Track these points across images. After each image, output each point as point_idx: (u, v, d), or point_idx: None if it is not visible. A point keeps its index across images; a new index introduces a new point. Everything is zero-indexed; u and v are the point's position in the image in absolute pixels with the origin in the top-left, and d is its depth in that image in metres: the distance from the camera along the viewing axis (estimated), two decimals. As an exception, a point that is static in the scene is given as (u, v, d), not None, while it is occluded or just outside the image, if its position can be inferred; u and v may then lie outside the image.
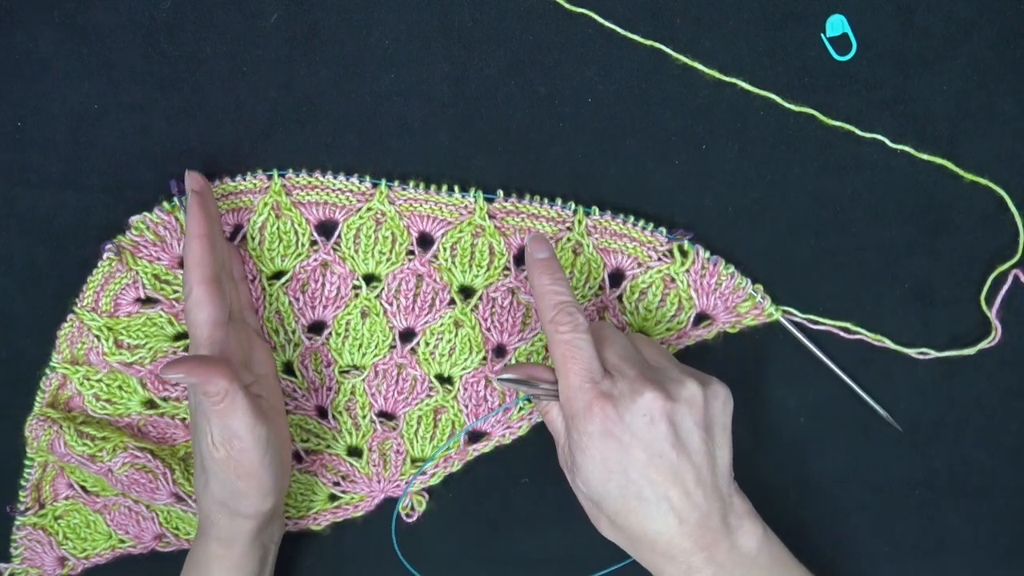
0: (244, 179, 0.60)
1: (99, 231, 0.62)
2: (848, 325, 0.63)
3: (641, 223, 0.61)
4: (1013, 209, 0.62)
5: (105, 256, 0.60)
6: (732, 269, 0.61)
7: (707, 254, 0.61)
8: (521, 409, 0.63)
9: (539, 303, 0.55)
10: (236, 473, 0.54)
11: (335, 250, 0.61)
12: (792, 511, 0.59)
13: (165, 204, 0.60)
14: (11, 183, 0.62)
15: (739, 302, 0.61)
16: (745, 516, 0.55)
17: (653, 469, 0.51)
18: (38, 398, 0.63)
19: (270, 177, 0.60)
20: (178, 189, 0.60)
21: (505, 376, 0.55)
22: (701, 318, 0.63)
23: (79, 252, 0.62)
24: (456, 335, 0.62)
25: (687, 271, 0.61)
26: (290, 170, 0.60)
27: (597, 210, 0.61)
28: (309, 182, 0.60)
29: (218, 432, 0.53)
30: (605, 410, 0.51)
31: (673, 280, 0.61)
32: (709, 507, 0.53)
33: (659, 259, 0.61)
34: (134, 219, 0.60)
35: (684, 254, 0.61)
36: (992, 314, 0.63)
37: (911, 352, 0.63)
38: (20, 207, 0.62)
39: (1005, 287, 0.62)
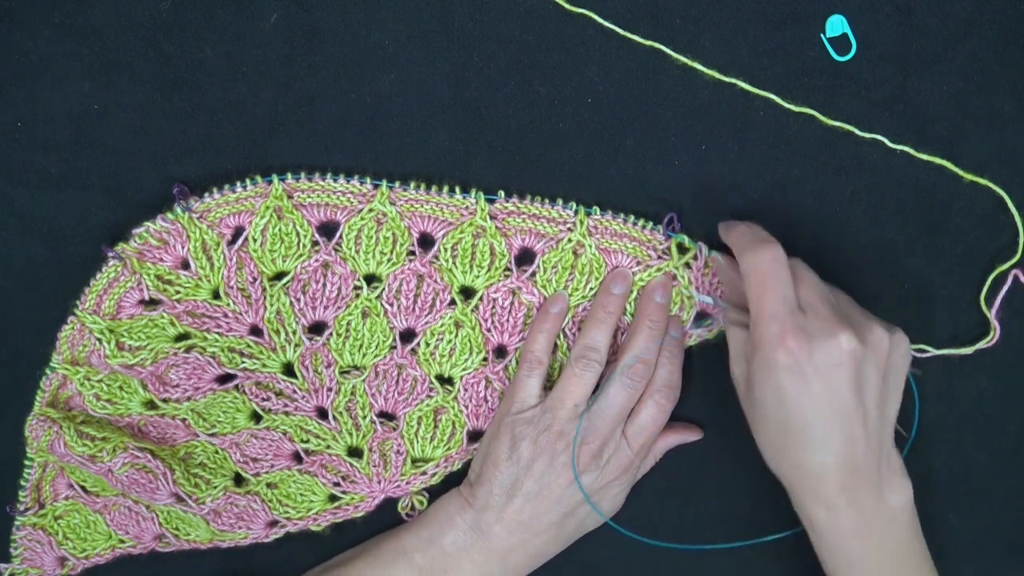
0: (245, 187, 0.60)
1: (99, 231, 0.62)
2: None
3: (641, 222, 0.61)
4: (1013, 209, 0.62)
5: (111, 263, 0.60)
6: None
7: (708, 251, 0.61)
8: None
9: (738, 235, 0.56)
10: None
11: (336, 251, 0.61)
12: (792, 511, 0.59)
13: (169, 214, 0.60)
14: (11, 183, 0.61)
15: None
16: (898, 472, 0.55)
17: (827, 406, 0.52)
18: (38, 398, 0.63)
19: (270, 183, 0.60)
20: (179, 193, 0.59)
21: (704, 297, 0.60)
22: (702, 316, 0.63)
23: (79, 252, 0.62)
24: (456, 336, 0.62)
25: (686, 265, 0.61)
26: (289, 175, 0.60)
27: (598, 210, 0.61)
28: (310, 186, 0.60)
29: None
30: (797, 343, 0.52)
31: (674, 278, 0.62)
32: (868, 454, 0.53)
33: (659, 257, 0.62)
34: (137, 230, 0.60)
35: (683, 250, 0.61)
36: (991, 314, 0.63)
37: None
38: (20, 207, 0.62)
39: (1005, 287, 0.62)
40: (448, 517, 0.61)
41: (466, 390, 0.63)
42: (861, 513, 0.54)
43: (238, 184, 0.60)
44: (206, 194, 0.60)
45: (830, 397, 0.52)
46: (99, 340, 0.60)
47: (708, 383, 0.64)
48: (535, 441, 0.59)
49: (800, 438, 0.53)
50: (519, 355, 0.62)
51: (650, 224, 0.61)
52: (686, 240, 0.61)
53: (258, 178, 0.60)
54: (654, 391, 0.60)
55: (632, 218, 0.61)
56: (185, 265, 0.61)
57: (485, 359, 0.63)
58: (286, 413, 0.63)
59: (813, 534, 0.56)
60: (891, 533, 0.55)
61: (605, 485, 0.61)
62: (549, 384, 0.62)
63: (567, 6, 0.60)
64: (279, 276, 0.61)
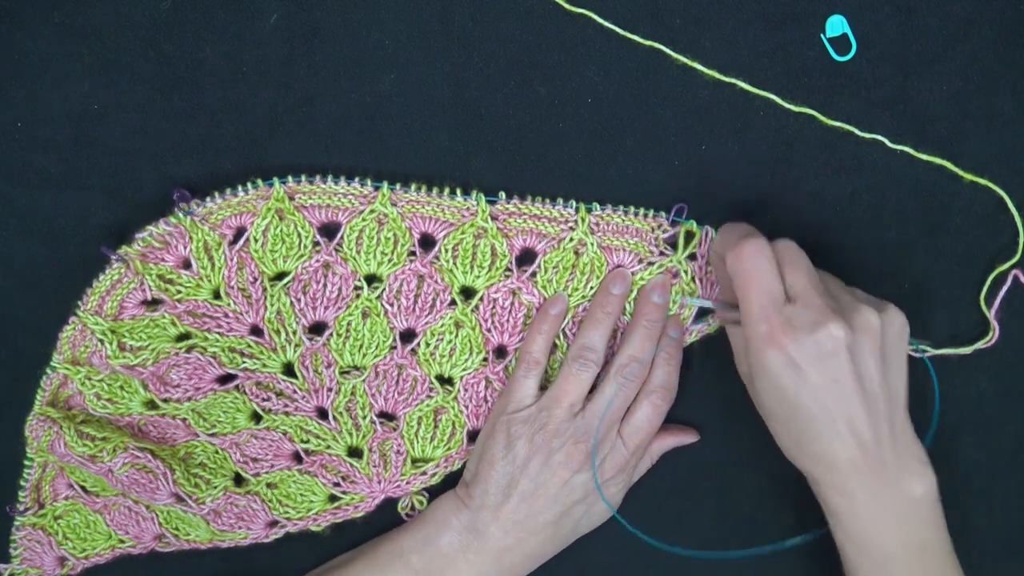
0: (247, 191, 0.60)
1: (99, 231, 0.62)
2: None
3: (643, 211, 0.61)
4: (1013, 209, 0.62)
5: (115, 265, 0.60)
6: None
7: (713, 232, 0.61)
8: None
9: (723, 235, 0.58)
10: None
11: (337, 251, 0.61)
12: (791, 511, 0.59)
13: (171, 217, 0.60)
14: (11, 183, 0.61)
15: None
16: (917, 459, 0.55)
17: (827, 395, 0.52)
18: (38, 397, 0.63)
19: (271, 186, 0.60)
20: (179, 198, 0.59)
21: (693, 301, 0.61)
22: (702, 312, 0.63)
23: (79, 252, 0.62)
24: (456, 336, 0.62)
25: (690, 257, 0.61)
26: (290, 178, 0.60)
27: (598, 205, 0.61)
28: (311, 189, 0.60)
29: None
30: (788, 339, 0.52)
31: (676, 275, 0.62)
32: (878, 436, 0.53)
33: (660, 253, 0.62)
34: (141, 235, 0.59)
35: (688, 239, 0.61)
36: (991, 314, 0.63)
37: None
38: (20, 207, 0.62)
39: (1005, 287, 0.62)
40: (444, 518, 0.61)
41: (466, 390, 0.63)
42: (875, 498, 0.53)
43: (239, 188, 0.60)
44: (208, 199, 0.60)
45: (830, 387, 0.52)
46: (101, 341, 0.60)
47: (707, 384, 0.64)
48: (531, 440, 0.59)
49: (808, 431, 0.53)
50: (518, 355, 0.62)
51: (651, 212, 0.61)
52: (694, 225, 0.61)
53: (259, 181, 0.60)
54: (650, 392, 0.61)
55: (633, 208, 0.61)
56: (187, 264, 0.61)
57: (485, 359, 0.63)
58: (286, 413, 0.63)
59: (831, 519, 0.56)
60: (907, 523, 0.54)
61: (601, 485, 0.61)
62: (547, 384, 0.62)
63: (567, 6, 0.60)
64: (280, 276, 0.61)
